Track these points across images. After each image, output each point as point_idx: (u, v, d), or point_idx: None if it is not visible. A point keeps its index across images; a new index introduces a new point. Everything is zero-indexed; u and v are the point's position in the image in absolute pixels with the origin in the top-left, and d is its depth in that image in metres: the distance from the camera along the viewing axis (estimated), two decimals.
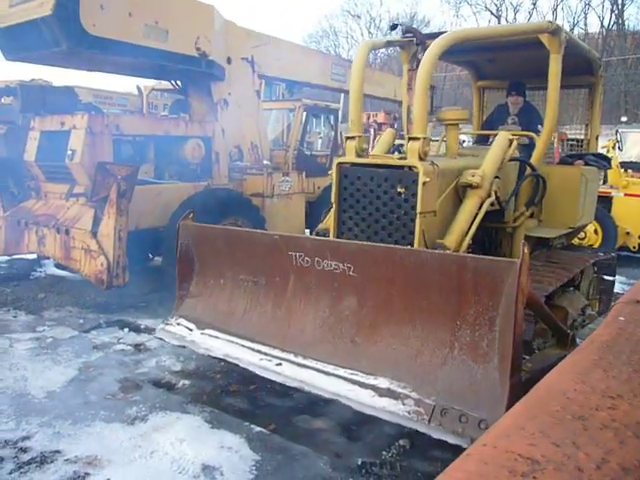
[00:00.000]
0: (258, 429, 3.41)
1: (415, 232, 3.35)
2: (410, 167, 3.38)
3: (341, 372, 3.06)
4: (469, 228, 3.52)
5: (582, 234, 8.79)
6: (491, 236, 4.39)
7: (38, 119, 6.24)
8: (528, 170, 4.31)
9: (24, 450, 3.18)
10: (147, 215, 5.76)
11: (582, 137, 5.60)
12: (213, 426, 3.45)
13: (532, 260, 4.22)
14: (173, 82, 7.26)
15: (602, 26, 34.26)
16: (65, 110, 6.02)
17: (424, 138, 3.38)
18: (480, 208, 3.63)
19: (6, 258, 7.07)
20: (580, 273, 4.52)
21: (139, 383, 4.07)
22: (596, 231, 8.93)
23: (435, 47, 3.46)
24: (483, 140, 5.31)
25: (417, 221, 3.33)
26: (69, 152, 5.56)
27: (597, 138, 5.51)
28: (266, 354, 3.41)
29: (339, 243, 3.38)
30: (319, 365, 3.17)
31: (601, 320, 4.09)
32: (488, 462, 0.79)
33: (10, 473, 2.97)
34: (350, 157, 3.78)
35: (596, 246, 8.83)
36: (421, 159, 3.38)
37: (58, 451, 3.17)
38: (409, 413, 2.71)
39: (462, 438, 2.52)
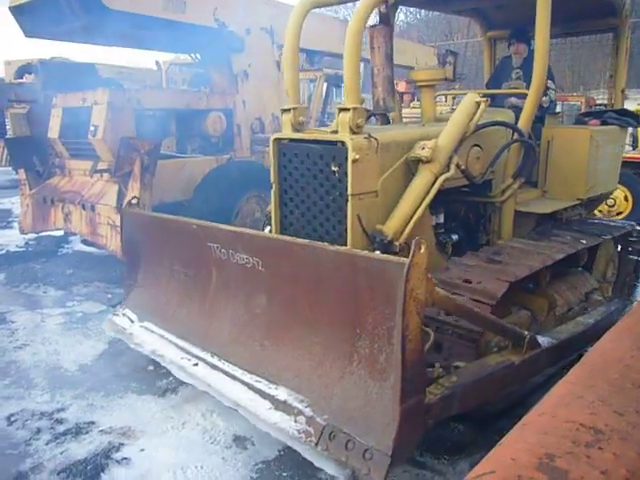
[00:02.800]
0: None
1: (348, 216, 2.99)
2: (343, 142, 2.98)
3: (247, 378, 2.84)
4: (416, 210, 3.09)
5: (611, 201, 8.57)
6: (479, 212, 4.00)
7: (60, 96, 6.23)
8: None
9: (60, 421, 3.26)
10: (171, 189, 5.75)
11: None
12: None
13: (516, 239, 3.75)
14: (192, 55, 7.18)
15: None
16: (86, 86, 5.99)
17: (355, 108, 2.95)
18: (433, 185, 3.17)
19: (34, 235, 7.16)
20: (589, 252, 3.97)
21: None
22: (626, 198, 8.70)
23: (364, 4, 3.03)
24: (496, 98, 4.68)
25: (349, 204, 2.96)
26: (92, 128, 5.55)
27: (623, 92, 4.92)
28: (188, 352, 3.23)
29: (248, 235, 3.03)
30: (229, 368, 2.96)
31: (604, 309, 3.72)
32: (548, 432, 0.75)
33: (47, 444, 3.05)
34: (287, 132, 3.35)
35: (625, 214, 8.60)
36: (354, 133, 2.97)
37: (92, 422, 3.24)
38: (298, 432, 2.42)
39: (343, 469, 2.22)
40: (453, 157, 3.25)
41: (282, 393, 2.64)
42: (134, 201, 3.88)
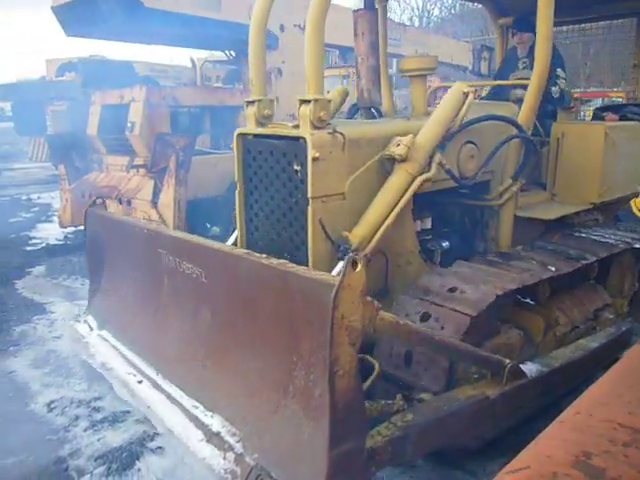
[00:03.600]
0: None
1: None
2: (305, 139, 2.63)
3: (185, 402, 2.53)
4: (388, 215, 2.74)
5: None
6: (475, 216, 3.62)
7: (99, 93, 6.39)
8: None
9: (97, 409, 3.34)
10: (205, 185, 5.83)
11: None
12: None
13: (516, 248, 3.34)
14: (227, 52, 7.27)
15: None
16: (124, 84, 6.13)
17: (317, 100, 2.59)
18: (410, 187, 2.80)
19: (72, 229, 7.35)
20: (600, 262, 3.40)
21: None
22: None
23: None
24: (503, 92, 4.33)
25: (310, 208, 2.61)
26: (129, 124, 5.68)
27: None
28: (135, 367, 2.93)
29: (190, 242, 2.73)
30: (171, 390, 2.65)
31: (612, 331, 3.22)
32: (584, 430, 0.74)
33: (85, 430, 3.14)
34: (251, 127, 3.00)
35: None
36: (316, 127, 2.61)
37: (128, 412, 3.31)
38: (225, 471, 2.11)
39: None
40: (435, 155, 2.88)
41: (217, 423, 2.35)
42: (99, 201, 3.67)
